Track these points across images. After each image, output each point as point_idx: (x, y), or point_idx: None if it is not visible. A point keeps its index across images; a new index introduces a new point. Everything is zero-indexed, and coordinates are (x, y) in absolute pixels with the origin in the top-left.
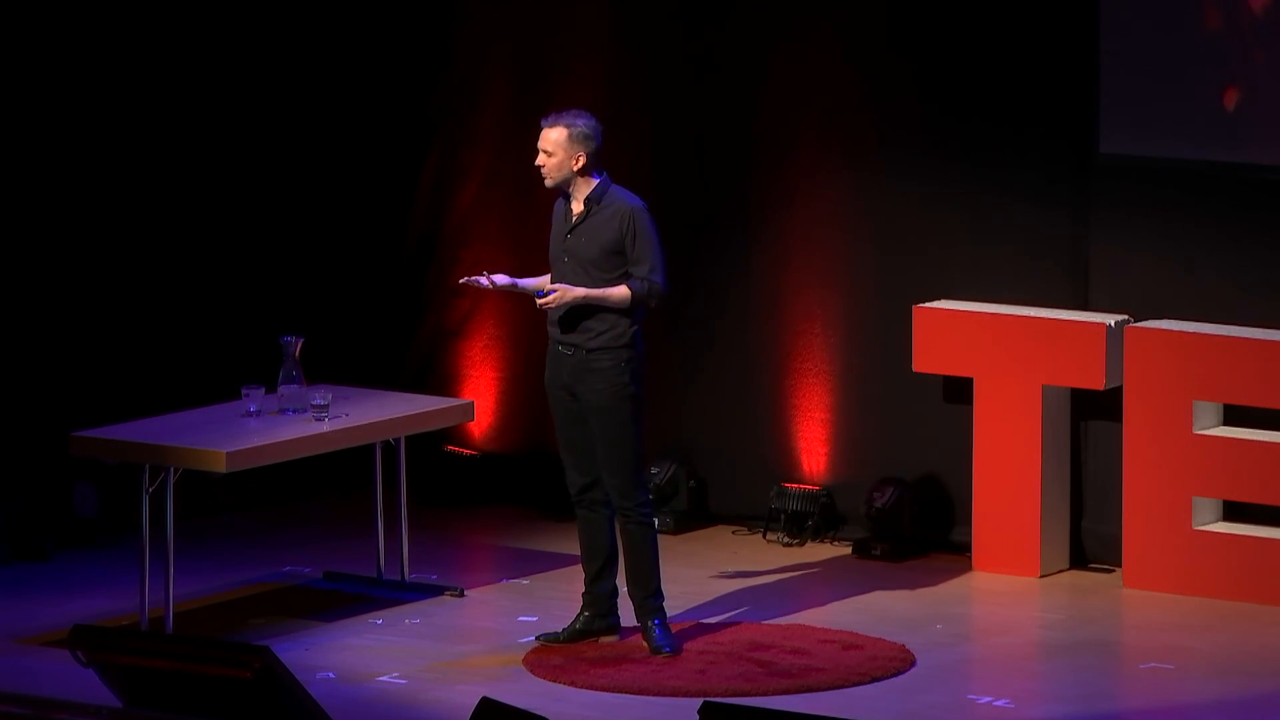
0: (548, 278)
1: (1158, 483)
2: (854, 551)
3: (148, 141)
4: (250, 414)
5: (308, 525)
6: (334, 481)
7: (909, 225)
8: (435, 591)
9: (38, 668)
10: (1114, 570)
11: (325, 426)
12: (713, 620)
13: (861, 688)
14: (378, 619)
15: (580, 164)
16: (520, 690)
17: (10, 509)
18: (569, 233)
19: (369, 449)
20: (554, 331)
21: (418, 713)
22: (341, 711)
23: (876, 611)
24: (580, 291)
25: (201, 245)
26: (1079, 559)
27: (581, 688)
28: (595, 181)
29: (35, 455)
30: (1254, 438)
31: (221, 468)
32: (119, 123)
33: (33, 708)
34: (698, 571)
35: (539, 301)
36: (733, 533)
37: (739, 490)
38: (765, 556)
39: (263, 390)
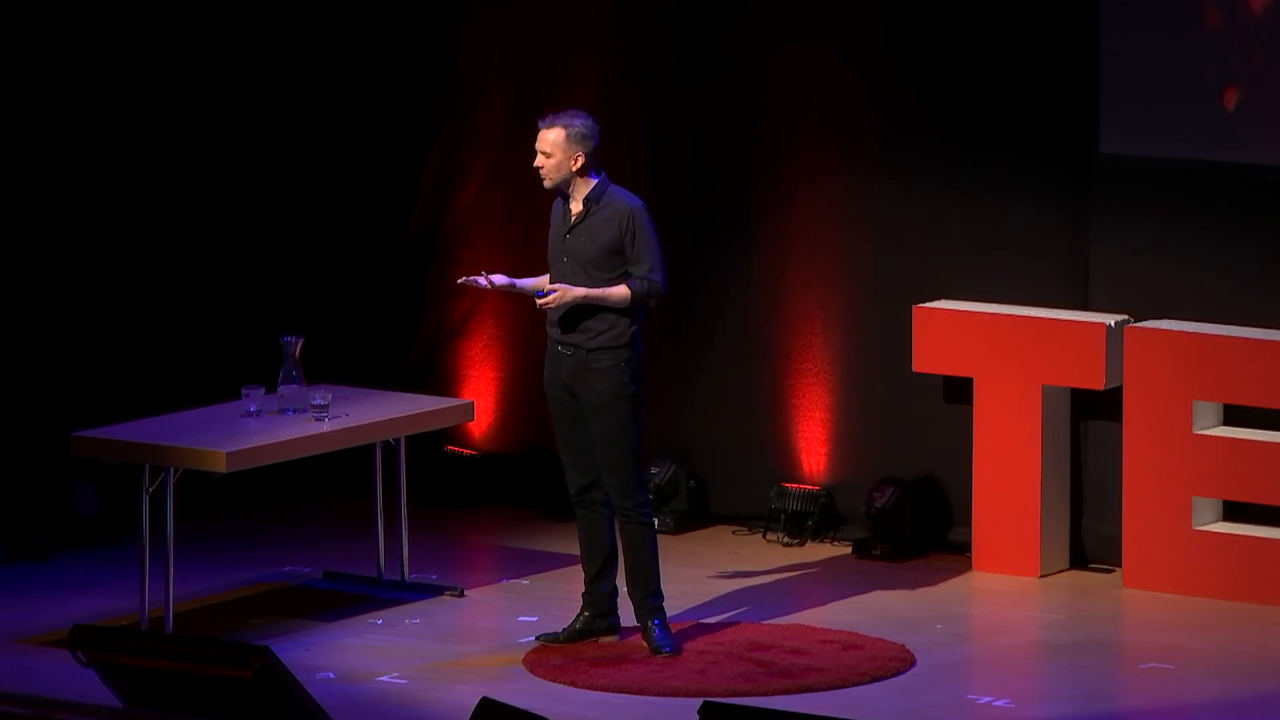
0: (546, 278)
1: (1158, 483)
2: (854, 551)
3: (148, 142)
4: (250, 414)
5: (308, 525)
6: (334, 481)
7: (909, 225)
8: (435, 591)
9: (38, 668)
10: (1114, 570)
11: (325, 426)
12: (713, 620)
13: (861, 688)
14: (378, 619)
15: (579, 164)
16: (520, 690)
17: (10, 509)
18: (568, 233)
19: (369, 449)
20: (553, 331)
21: (418, 713)
22: (341, 711)
23: (876, 611)
24: (580, 291)
25: (202, 245)
26: (1079, 559)
27: (581, 688)
28: (594, 181)
29: (35, 455)
30: (1254, 438)
31: (221, 468)
32: (119, 123)
33: (33, 708)
34: (698, 571)
35: (539, 302)
36: (733, 533)
37: (739, 490)
38: (765, 556)
39: (263, 390)
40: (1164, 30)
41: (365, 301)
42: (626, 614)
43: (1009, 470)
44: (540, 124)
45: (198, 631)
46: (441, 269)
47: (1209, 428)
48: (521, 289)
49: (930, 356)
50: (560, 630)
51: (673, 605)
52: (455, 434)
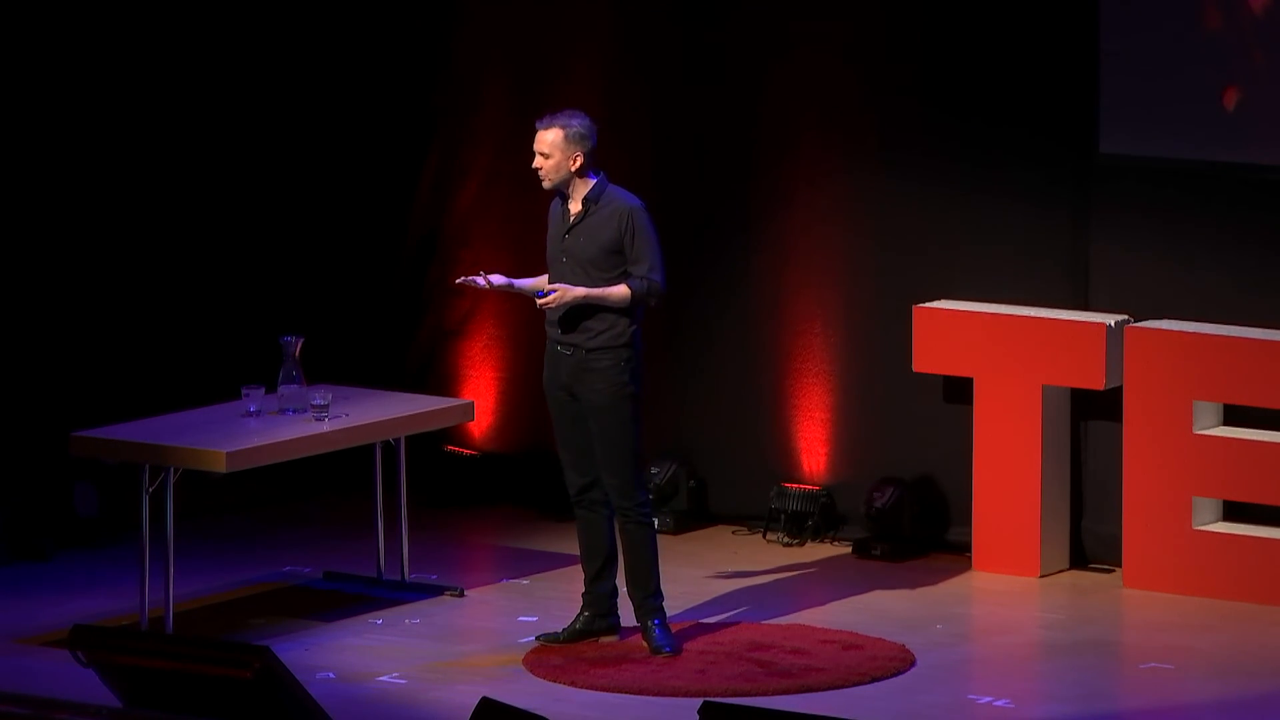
0: (545, 278)
1: (1158, 483)
2: (854, 551)
3: (148, 142)
4: (250, 414)
5: (308, 525)
6: (334, 481)
7: (909, 225)
8: (435, 591)
9: (38, 668)
10: (1114, 570)
11: (325, 426)
12: (713, 620)
13: (861, 688)
14: (378, 619)
15: (578, 164)
16: (520, 690)
17: (10, 509)
18: (567, 233)
19: (369, 449)
20: (553, 331)
21: (418, 713)
22: (341, 711)
23: (876, 611)
24: (580, 291)
25: (202, 245)
26: (1079, 559)
27: (581, 688)
28: (592, 181)
29: (35, 455)
30: (1254, 438)
31: (221, 468)
32: (119, 123)
33: (33, 708)
34: (698, 571)
35: (539, 302)
36: (733, 533)
37: (739, 490)
38: (765, 556)
39: (263, 390)
40: (1164, 30)
41: (365, 301)
42: (626, 614)
43: (1009, 470)
44: (538, 125)
45: (198, 631)
46: (441, 269)
47: (1209, 428)
48: (520, 289)
49: (930, 356)
50: (560, 630)
51: (673, 605)
52: (455, 434)
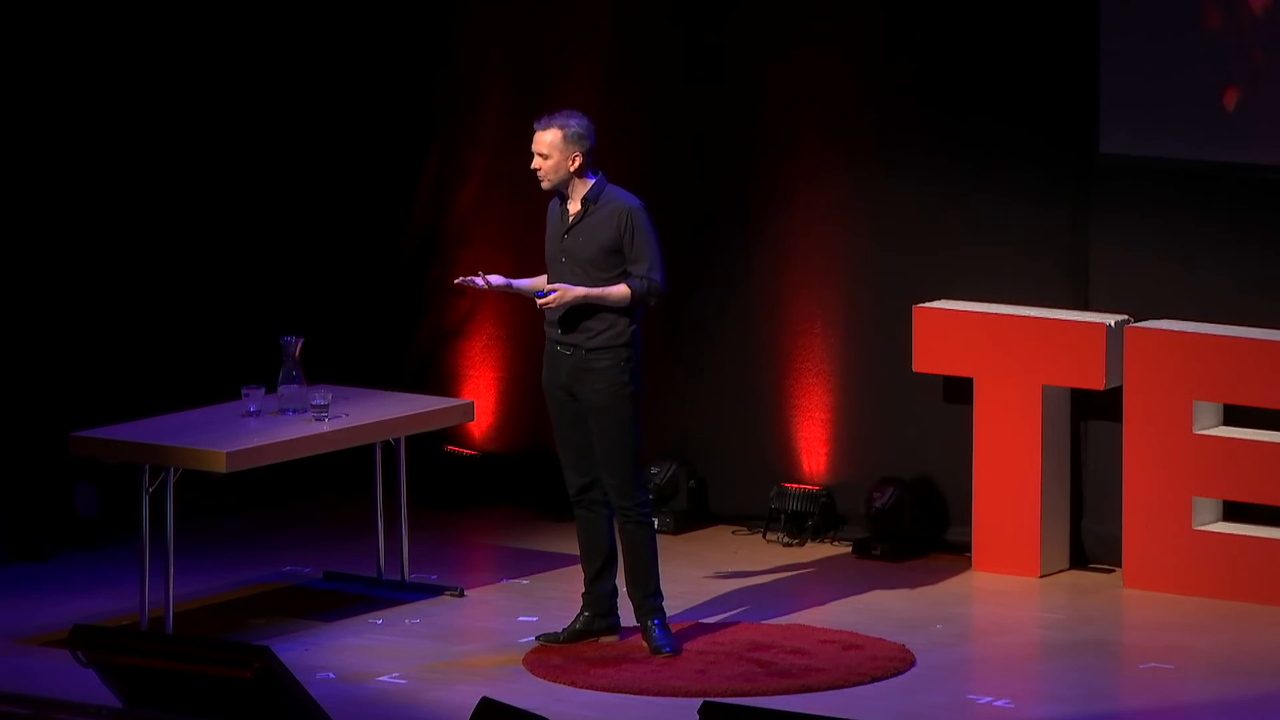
0: (543, 278)
1: (1158, 483)
2: (854, 551)
3: (148, 142)
4: (250, 414)
5: (308, 525)
6: (334, 481)
7: (909, 225)
8: (435, 591)
9: (38, 668)
10: (1114, 570)
11: (325, 426)
12: (713, 620)
13: (861, 688)
14: (378, 619)
15: (576, 164)
16: (520, 690)
17: (10, 509)
18: (566, 233)
19: (369, 449)
20: (552, 331)
21: (418, 713)
22: (341, 711)
23: (876, 611)
24: (580, 291)
25: (202, 245)
26: (1079, 559)
27: (581, 688)
28: (591, 181)
29: (35, 455)
30: (1254, 438)
31: (221, 468)
32: (119, 123)
33: (33, 708)
34: (698, 571)
35: (539, 302)
36: (733, 533)
37: (739, 490)
38: (765, 556)
39: (263, 390)
40: (1164, 30)
41: (365, 301)
42: (626, 614)
43: (1009, 470)
44: (536, 125)
45: (198, 631)
46: (441, 269)
47: (1209, 428)
48: (518, 289)
49: (930, 356)
50: (560, 630)
51: (673, 605)
52: (455, 434)
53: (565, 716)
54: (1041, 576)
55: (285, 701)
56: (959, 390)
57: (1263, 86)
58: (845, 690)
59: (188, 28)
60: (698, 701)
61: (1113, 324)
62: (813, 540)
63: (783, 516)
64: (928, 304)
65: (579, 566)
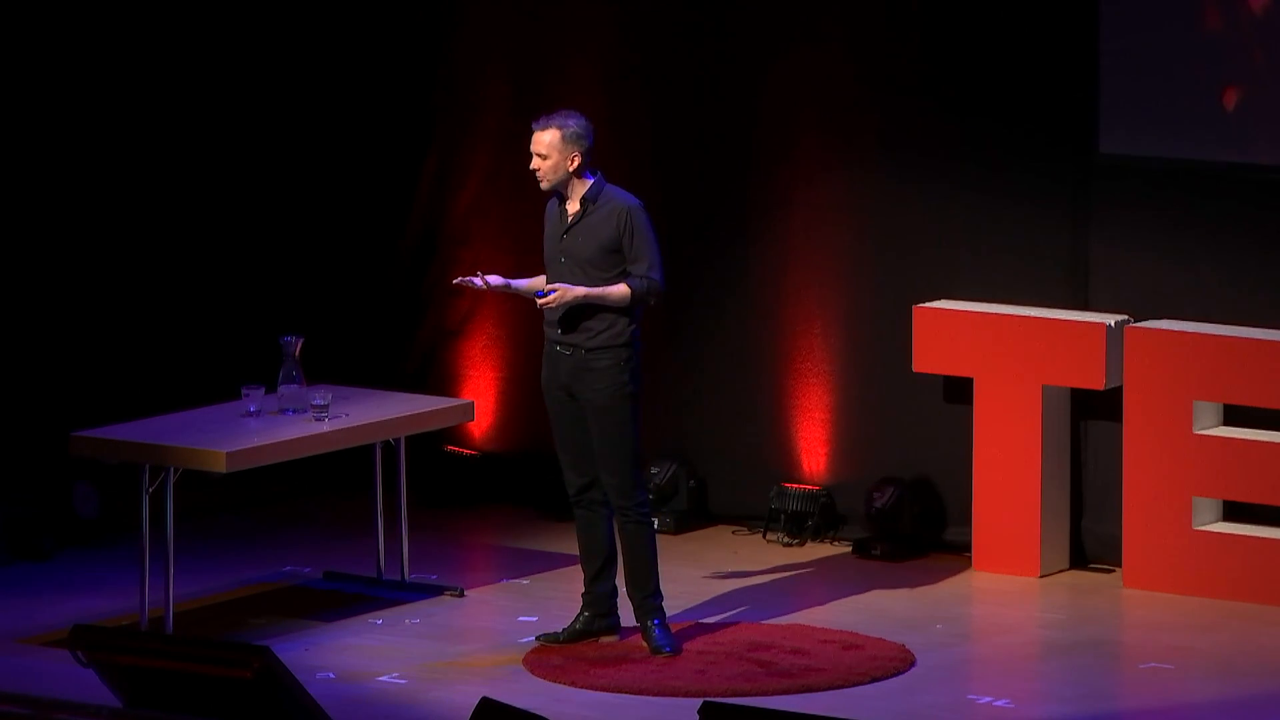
0: (542, 279)
1: (1158, 483)
2: (854, 551)
3: (148, 142)
4: (250, 414)
5: (308, 525)
6: (334, 481)
7: (909, 225)
8: (435, 591)
9: (38, 668)
10: (1114, 570)
11: (325, 426)
12: (713, 620)
13: (861, 688)
14: (378, 619)
15: (575, 164)
16: (520, 690)
17: (10, 509)
18: (565, 233)
19: (369, 449)
20: (551, 331)
21: (418, 713)
22: (341, 711)
23: (876, 611)
24: (580, 291)
25: (202, 245)
26: (1079, 559)
27: (581, 688)
28: (590, 181)
29: (35, 455)
30: (1254, 438)
31: (221, 468)
32: (119, 123)
33: (33, 708)
34: (698, 571)
35: (539, 302)
36: (733, 533)
37: (739, 490)
38: (765, 556)
39: (263, 390)
40: (1164, 30)
41: (365, 301)
42: (626, 614)
43: (1009, 470)
44: (534, 125)
45: (198, 631)
46: (441, 269)
47: (1209, 428)
48: (516, 290)
49: (930, 356)
50: (560, 630)
51: (673, 605)
52: (455, 434)
53: (565, 716)
54: (1041, 576)
55: (285, 701)
56: (959, 390)
57: (1263, 86)
58: (845, 690)
59: (187, 28)
60: (698, 701)
61: (1113, 324)
62: (813, 540)
63: (783, 516)
64: (928, 304)
65: (579, 566)
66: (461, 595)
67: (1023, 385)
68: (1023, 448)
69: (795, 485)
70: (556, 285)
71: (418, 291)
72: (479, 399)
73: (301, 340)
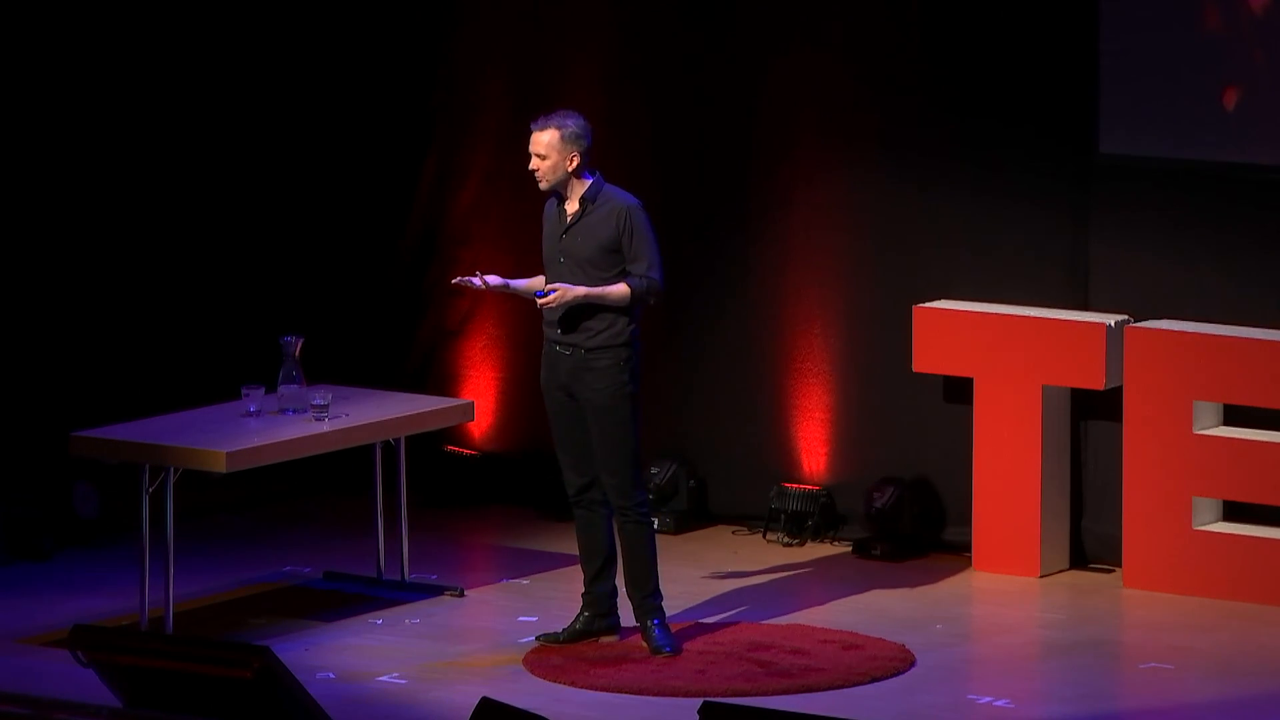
0: (541, 279)
1: (1158, 483)
2: (854, 551)
3: (148, 142)
4: (250, 414)
5: (308, 525)
6: (334, 481)
7: (909, 225)
8: (435, 591)
9: (38, 668)
10: (1114, 570)
11: (325, 426)
12: (713, 620)
13: (861, 688)
14: (378, 619)
15: (574, 164)
16: (520, 690)
17: (10, 509)
18: (564, 233)
19: (369, 449)
20: (551, 331)
21: (418, 713)
22: (341, 711)
23: (876, 611)
24: (580, 290)
25: (202, 245)
26: (1079, 559)
27: (581, 688)
28: (589, 181)
29: (35, 455)
30: (1254, 438)
31: (221, 468)
32: (119, 123)
33: (33, 708)
34: (697, 571)
35: (539, 301)
36: (733, 533)
37: (739, 490)
38: (765, 556)
39: (263, 390)
40: (1164, 30)
41: (365, 301)
42: (626, 614)
43: (1009, 470)
44: (533, 126)
45: (198, 631)
46: (441, 269)
47: (1209, 428)
48: (516, 290)
49: (930, 356)
50: (560, 630)
51: (673, 605)
52: (455, 434)
53: (565, 716)
54: (1041, 576)
55: (285, 701)
56: (959, 390)
57: (1263, 86)
58: (845, 690)
59: (187, 28)
60: (698, 701)
61: (1113, 324)
62: (813, 540)
63: (783, 516)
64: (928, 304)
65: (579, 566)
66: (461, 595)
67: (1023, 385)
68: (1023, 448)
69: (795, 485)
70: (556, 285)
71: (418, 291)
72: (479, 399)
73: (301, 340)
